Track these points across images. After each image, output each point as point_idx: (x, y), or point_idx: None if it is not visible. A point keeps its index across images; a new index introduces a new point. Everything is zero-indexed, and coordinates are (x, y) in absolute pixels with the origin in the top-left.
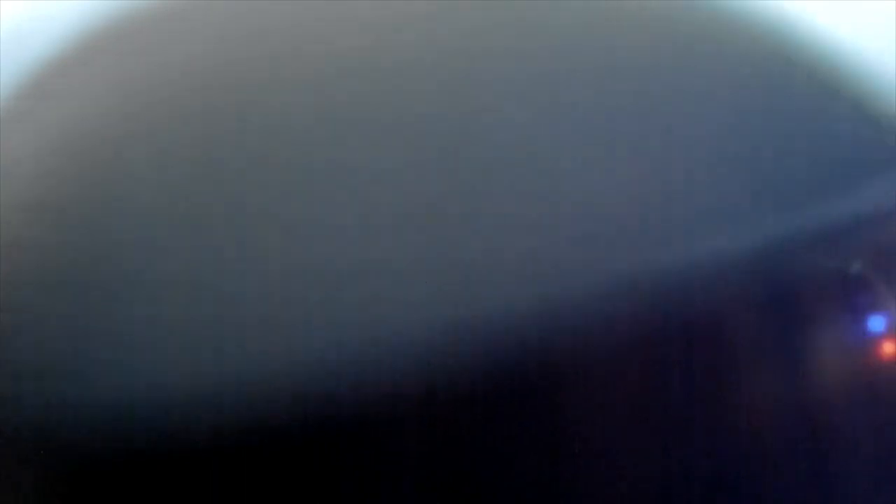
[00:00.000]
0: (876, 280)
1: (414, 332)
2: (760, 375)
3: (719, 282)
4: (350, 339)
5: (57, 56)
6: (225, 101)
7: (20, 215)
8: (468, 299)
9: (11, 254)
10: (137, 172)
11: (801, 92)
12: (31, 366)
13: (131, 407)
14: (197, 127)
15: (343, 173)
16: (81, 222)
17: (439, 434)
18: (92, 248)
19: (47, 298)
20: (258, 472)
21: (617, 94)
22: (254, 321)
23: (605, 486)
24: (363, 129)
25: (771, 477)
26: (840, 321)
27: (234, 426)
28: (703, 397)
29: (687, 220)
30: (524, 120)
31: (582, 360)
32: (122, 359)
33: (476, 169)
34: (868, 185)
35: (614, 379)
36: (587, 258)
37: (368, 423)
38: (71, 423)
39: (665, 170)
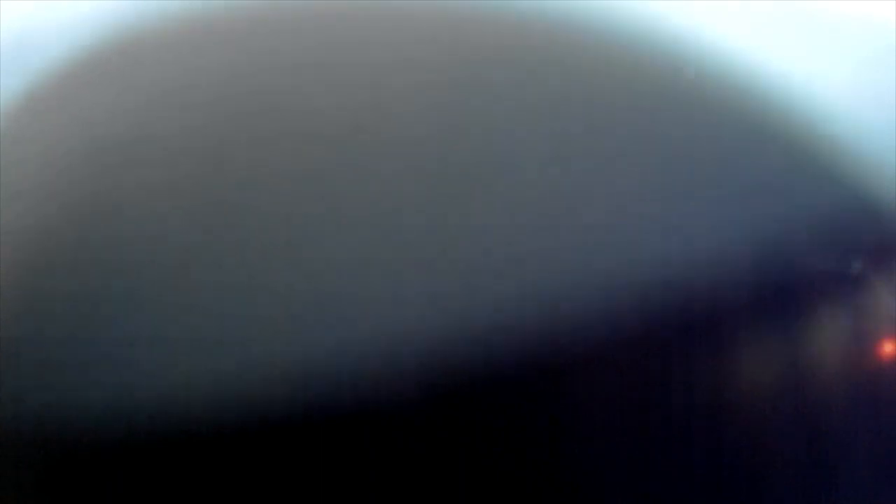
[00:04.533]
0: (876, 280)
1: (414, 332)
2: (760, 375)
3: (719, 282)
4: (350, 341)
5: (61, 66)
6: (228, 112)
7: (22, 221)
8: (468, 300)
9: (14, 258)
10: (139, 180)
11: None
12: (31, 366)
13: (132, 407)
14: (200, 137)
15: (346, 178)
16: (84, 227)
17: (438, 434)
18: (93, 251)
19: (49, 301)
20: (259, 472)
21: (619, 112)
22: (253, 323)
23: (605, 486)
24: (366, 136)
25: (771, 477)
26: (840, 321)
27: (235, 426)
28: (703, 397)
29: (687, 220)
30: (524, 125)
31: (581, 361)
32: (123, 360)
33: (476, 172)
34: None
35: (614, 380)
36: (588, 258)
37: (368, 422)
38: (71, 423)
39: (663, 171)
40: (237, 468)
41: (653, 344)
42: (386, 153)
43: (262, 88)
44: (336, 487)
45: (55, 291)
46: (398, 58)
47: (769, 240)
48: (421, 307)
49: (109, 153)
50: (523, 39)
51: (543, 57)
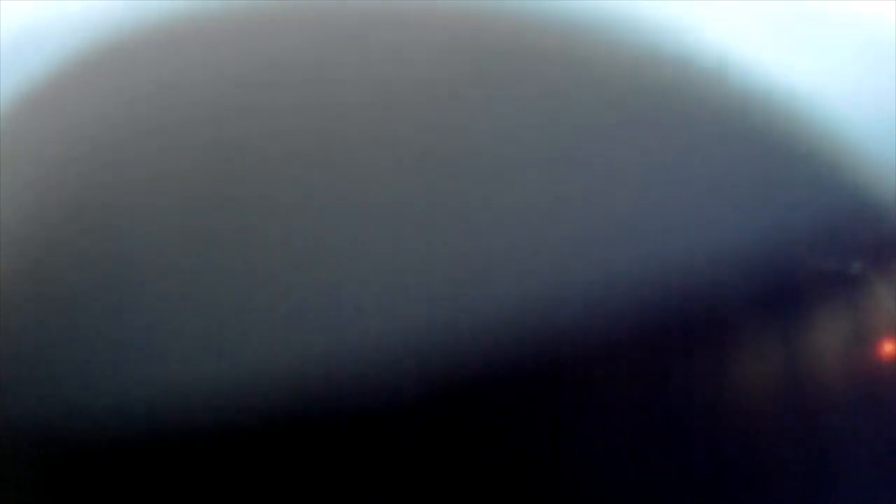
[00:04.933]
0: (876, 280)
1: (414, 332)
2: (760, 375)
3: (719, 282)
4: (350, 340)
5: (61, 66)
6: (227, 112)
7: (21, 220)
8: (469, 300)
9: (12, 257)
10: (137, 180)
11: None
12: (31, 366)
13: (132, 406)
14: (199, 136)
15: (344, 177)
16: (82, 228)
17: (438, 434)
18: (93, 250)
19: (48, 300)
20: (259, 472)
21: (622, 120)
22: (254, 323)
23: (605, 486)
24: (364, 135)
25: (771, 477)
26: (840, 321)
27: (235, 426)
28: (703, 397)
29: (686, 220)
30: (525, 125)
31: (582, 361)
32: (123, 360)
33: (476, 171)
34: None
35: (614, 380)
36: (588, 258)
37: (368, 422)
38: (71, 423)
39: (663, 172)
40: (237, 468)
41: (653, 344)
42: (385, 153)
43: (260, 88)
44: (336, 487)
45: (54, 290)
46: (397, 58)
47: (769, 240)
48: (421, 307)
49: (109, 153)
50: (522, 40)
51: (543, 58)
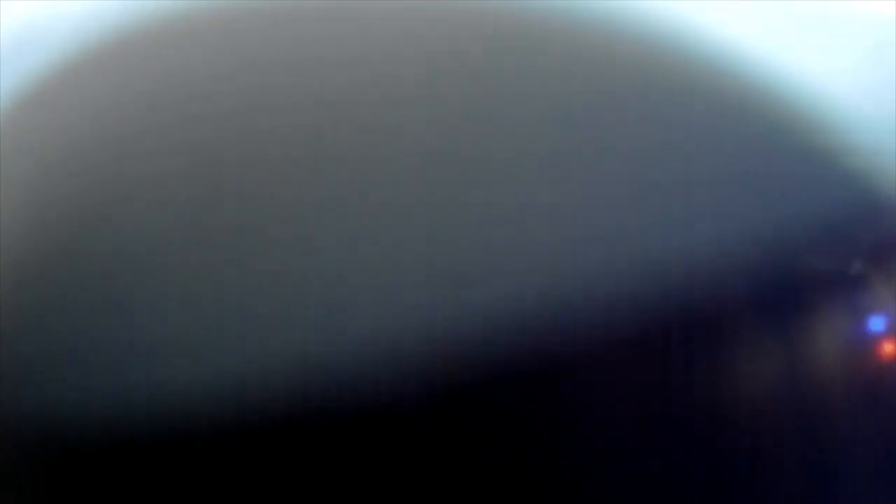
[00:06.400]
0: (876, 280)
1: (414, 332)
2: (760, 375)
3: (719, 281)
4: (350, 340)
5: (60, 65)
6: (228, 110)
7: (21, 220)
8: (469, 299)
9: (12, 257)
10: (136, 179)
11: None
12: (31, 365)
13: (132, 406)
14: (197, 135)
15: (344, 176)
16: (82, 227)
17: (438, 434)
18: (92, 251)
19: (49, 300)
20: (259, 471)
21: (620, 107)
22: (254, 322)
23: (605, 486)
24: (366, 132)
25: (771, 476)
26: (840, 321)
27: (235, 425)
28: (703, 397)
29: (686, 220)
30: (530, 121)
31: (582, 360)
32: (123, 359)
33: (476, 170)
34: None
35: (614, 380)
36: (588, 257)
37: (368, 422)
38: (71, 423)
39: (663, 170)
40: (237, 468)
41: (653, 343)
42: (384, 151)
43: (261, 86)
44: (336, 487)
45: (55, 290)
46: (396, 54)
47: (769, 239)
48: (421, 307)
49: (109, 152)
50: (530, 36)
51: (550, 54)
